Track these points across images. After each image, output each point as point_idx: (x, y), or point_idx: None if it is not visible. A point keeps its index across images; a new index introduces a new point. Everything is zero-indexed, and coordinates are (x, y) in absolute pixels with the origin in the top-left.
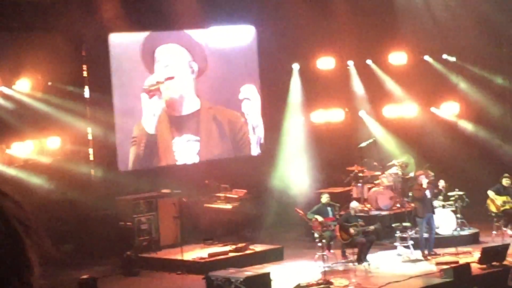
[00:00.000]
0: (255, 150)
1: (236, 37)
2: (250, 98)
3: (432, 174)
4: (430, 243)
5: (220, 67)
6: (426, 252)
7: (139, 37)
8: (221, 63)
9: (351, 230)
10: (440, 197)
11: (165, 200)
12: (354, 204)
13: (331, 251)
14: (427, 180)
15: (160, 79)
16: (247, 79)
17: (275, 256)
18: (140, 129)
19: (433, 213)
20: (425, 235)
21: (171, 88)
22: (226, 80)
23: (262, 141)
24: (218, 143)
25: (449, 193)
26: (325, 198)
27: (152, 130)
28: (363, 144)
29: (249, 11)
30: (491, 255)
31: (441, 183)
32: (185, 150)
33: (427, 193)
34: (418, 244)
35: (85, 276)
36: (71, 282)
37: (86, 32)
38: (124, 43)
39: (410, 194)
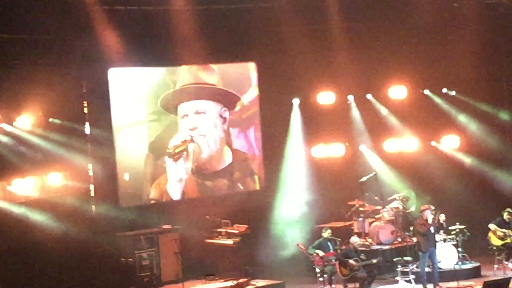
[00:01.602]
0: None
1: (237, 73)
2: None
3: (433, 208)
4: (435, 277)
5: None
6: (430, 286)
7: (138, 71)
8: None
9: (352, 262)
10: (441, 231)
11: (166, 236)
12: (354, 239)
13: (333, 286)
14: (432, 216)
15: (187, 137)
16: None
17: None
18: (163, 193)
19: (435, 247)
20: (427, 269)
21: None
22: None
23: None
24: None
25: (450, 227)
26: (326, 233)
27: (178, 196)
28: (364, 179)
29: (250, 47)
30: None
31: (442, 217)
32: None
33: (431, 228)
34: (419, 279)
35: None
36: None
37: (86, 67)
38: (124, 79)
39: (411, 228)
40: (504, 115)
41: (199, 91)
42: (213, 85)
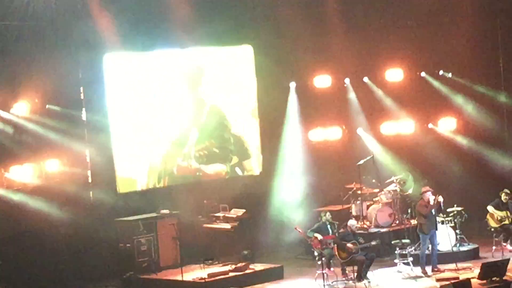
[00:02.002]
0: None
1: (234, 57)
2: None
3: (431, 190)
4: (434, 259)
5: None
6: (429, 268)
7: (135, 56)
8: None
9: (350, 245)
10: (439, 213)
11: (164, 221)
12: (352, 222)
13: (331, 269)
14: (433, 197)
15: None
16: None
17: (275, 275)
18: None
19: (436, 229)
20: (426, 251)
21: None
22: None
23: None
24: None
25: (448, 209)
26: (326, 216)
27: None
28: (361, 162)
29: (247, 30)
30: (491, 270)
31: (440, 199)
32: None
33: (432, 210)
34: (419, 261)
35: None
36: None
37: (83, 53)
38: (119, 63)
39: (409, 210)
40: (502, 97)
41: None
42: None
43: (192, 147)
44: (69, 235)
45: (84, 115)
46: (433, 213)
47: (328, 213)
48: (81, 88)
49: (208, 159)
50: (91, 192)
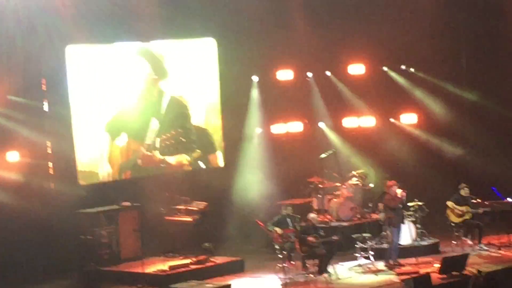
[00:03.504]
0: None
1: (197, 49)
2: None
3: (397, 184)
4: (396, 252)
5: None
6: (391, 261)
7: (97, 48)
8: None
9: (311, 239)
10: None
11: (126, 213)
12: (312, 216)
13: (292, 262)
14: (400, 190)
15: None
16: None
17: (236, 268)
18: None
19: (403, 222)
20: (385, 245)
21: None
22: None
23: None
24: None
25: (409, 204)
26: (287, 210)
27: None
28: (323, 155)
29: (210, 23)
30: (451, 265)
31: (403, 194)
32: None
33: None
34: (385, 254)
35: None
36: None
37: (44, 44)
38: (81, 55)
39: (370, 205)
40: (463, 92)
41: None
42: None
43: (157, 138)
44: (29, 226)
45: (46, 106)
46: (400, 206)
47: (288, 207)
48: (43, 80)
49: (173, 149)
50: (52, 184)
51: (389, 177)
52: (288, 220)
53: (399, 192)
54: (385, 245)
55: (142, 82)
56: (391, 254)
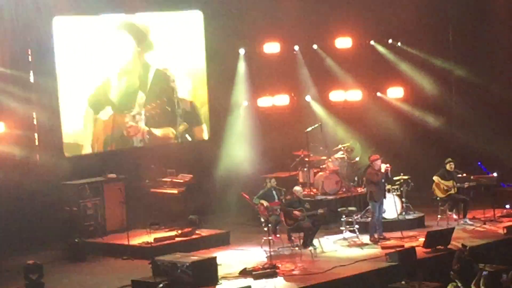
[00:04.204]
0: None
1: (183, 22)
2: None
3: (381, 158)
4: (380, 226)
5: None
6: (376, 235)
7: (83, 20)
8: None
9: (297, 212)
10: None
11: (111, 185)
12: (297, 189)
13: (277, 235)
14: (384, 165)
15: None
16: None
17: (221, 241)
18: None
19: (385, 197)
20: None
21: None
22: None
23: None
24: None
25: (394, 178)
26: (271, 182)
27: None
28: (309, 129)
29: None
30: (436, 239)
31: (387, 167)
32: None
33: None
34: (368, 228)
35: (30, 262)
36: (16, 268)
37: (31, 15)
38: (68, 27)
39: (356, 178)
40: (450, 66)
41: None
42: None
43: (142, 109)
44: (14, 198)
45: (31, 78)
46: (383, 181)
47: (273, 180)
48: (29, 51)
49: (159, 120)
50: (37, 155)
51: (374, 151)
52: (274, 193)
53: (383, 166)
54: (369, 219)
55: (126, 54)
56: (374, 228)
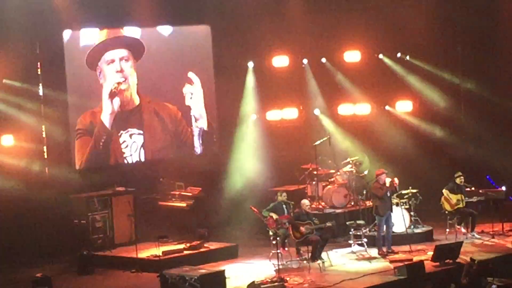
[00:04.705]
0: (197, 143)
1: (192, 36)
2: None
3: (386, 172)
4: (389, 240)
5: (167, 64)
6: (384, 249)
7: (93, 33)
8: (171, 60)
9: (302, 229)
10: (394, 195)
11: (120, 198)
12: (304, 202)
13: (286, 249)
14: (389, 179)
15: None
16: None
17: (229, 254)
18: (99, 124)
19: (392, 211)
20: (382, 233)
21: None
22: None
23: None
24: (161, 136)
25: (403, 191)
26: (281, 196)
27: (108, 125)
28: (317, 142)
29: (205, 10)
30: (445, 252)
31: (395, 181)
32: (132, 146)
33: (388, 191)
34: (375, 242)
35: (39, 275)
36: (25, 281)
37: (41, 29)
38: (78, 40)
39: (364, 192)
40: (459, 80)
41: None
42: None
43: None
44: (23, 211)
45: (41, 91)
46: (388, 195)
47: (283, 193)
48: (38, 64)
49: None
50: (46, 168)
51: (383, 165)
52: (284, 206)
53: (388, 180)
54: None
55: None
56: (381, 242)
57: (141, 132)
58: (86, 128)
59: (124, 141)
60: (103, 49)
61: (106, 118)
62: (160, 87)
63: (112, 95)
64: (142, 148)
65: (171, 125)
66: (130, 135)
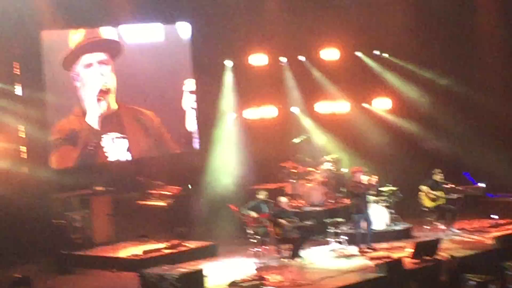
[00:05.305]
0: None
1: (171, 33)
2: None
3: (366, 169)
4: (368, 237)
5: (148, 65)
6: (363, 246)
7: (71, 34)
8: (149, 60)
9: (283, 222)
10: (373, 193)
11: (99, 198)
12: (282, 199)
13: (265, 247)
14: (367, 177)
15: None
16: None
17: (209, 252)
18: (84, 126)
19: (367, 208)
20: (361, 230)
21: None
22: (154, 78)
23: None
24: (144, 140)
25: (382, 189)
26: (262, 195)
27: (97, 126)
28: (296, 140)
29: (184, 7)
30: (424, 249)
31: (374, 179)
32: (114, 148)
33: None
34: (353, 240)
35: (18, 275)
36: (3, 281)
37: (18, 29)
38: (56, 40)
39: (342, 190)
40: (436, 77)
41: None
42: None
43: None
44: (2, 211)
45: (19, 91)
46: (364, 193)
47: (265, 192)
48: (16, 64)
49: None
50: (25, 168)
51: (362, 163)
52: (263, 205)
53: (364, 178)
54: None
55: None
56: (360, 239)
57: (124, 136)
58: (65, 137)
59: (107, 144)
60: (80, 52)
61: (94, 120)
62: (138, 92)
63: (99, 97)
64: (128, 152)
65: (152, 130)
66: (112, 139)
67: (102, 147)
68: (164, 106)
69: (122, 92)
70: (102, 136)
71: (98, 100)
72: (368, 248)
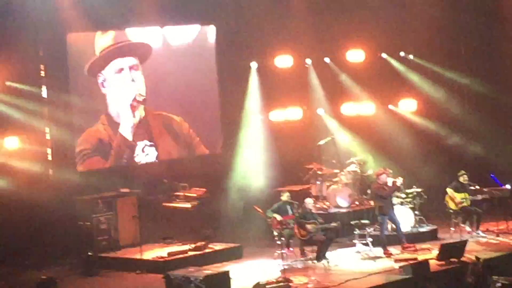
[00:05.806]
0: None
1: (196, 36)
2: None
3: (391, 171)
4: (402, 236)
5: (174, 69)
6: (397, 247)
7: (97, 37)
8: (176, 64)
9: (309, 227)
10: (399, 194)
11: (124, 200)
12: (308, 201)
13: (290, 249)
14: (392, 179)
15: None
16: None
17: (234, 254)
18: (117, 137)
19: (393, 209)
20: (386, 232)
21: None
22: (181, 82)
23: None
24: (174, 146)
25: (407, 190)
26: (285, 196)
27: (131, 137)
28: (321, 142)
29: (208, 10)
30: (449, 251)
31: (399, 181)
32: (144, 156)
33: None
34: (379, 241)
35: (44, 277)
36: (30, 283)
37: (44, 32)
38: (81, 43)
39: (368, 191)
40: (463, 79)
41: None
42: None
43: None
44: (28, 213)
45: (45, 93)
46: (390, 194)
47: (287, 193)
48: (42, 66)
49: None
50: (50, 170)
51: (386, 164)
52: (288, 207)
53: (389, 180)
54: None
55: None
56: (383, 242)
57: (153, 143)
58: (94, 148)
59: (138, 153)
60: (109, 56)
61: (127, 131)
62: (166, 97)
63: (133, 106)
64: (156, 159)
65: (182, 136)
66: (142, 148)
67: (134, 156)
68: (192, 110)
69: (149, 97)
70: (135, 146)
71: (132, 109)
72: (404, 246)
